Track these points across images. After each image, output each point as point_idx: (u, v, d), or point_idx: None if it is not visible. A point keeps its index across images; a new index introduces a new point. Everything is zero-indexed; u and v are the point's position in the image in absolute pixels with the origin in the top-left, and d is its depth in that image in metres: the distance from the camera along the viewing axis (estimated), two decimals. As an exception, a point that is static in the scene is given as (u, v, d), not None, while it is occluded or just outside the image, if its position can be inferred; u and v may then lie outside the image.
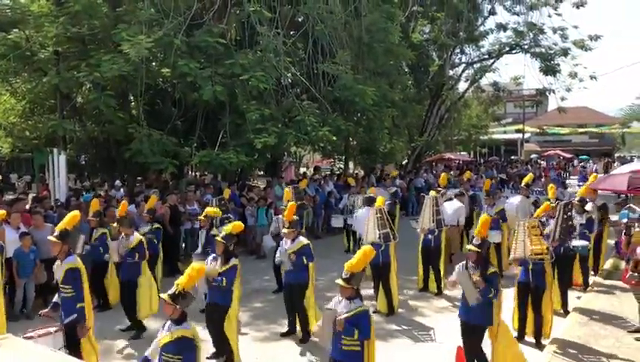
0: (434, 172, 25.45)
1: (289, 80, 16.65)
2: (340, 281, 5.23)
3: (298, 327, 8.12)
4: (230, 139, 14.68)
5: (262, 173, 23.44)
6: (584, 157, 45.59)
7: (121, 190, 16.47)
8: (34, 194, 16.01)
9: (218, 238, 7.08)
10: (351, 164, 24.95)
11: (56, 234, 6.43)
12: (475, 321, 6.23)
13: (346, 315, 5.13)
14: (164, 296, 4.86)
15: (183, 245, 13.18)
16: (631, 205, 10.98)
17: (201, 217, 9.71)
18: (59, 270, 6.34)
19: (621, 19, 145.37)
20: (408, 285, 10.64)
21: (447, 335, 7.62)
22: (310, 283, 8.00)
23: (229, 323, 6.98)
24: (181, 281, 4.89)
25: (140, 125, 13.89)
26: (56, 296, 6.47)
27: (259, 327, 8.68)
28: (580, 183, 24.15)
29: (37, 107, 17.21)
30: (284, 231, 8.11)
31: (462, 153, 42.44)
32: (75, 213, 6.74)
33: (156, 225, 10.47)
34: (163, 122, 14.97)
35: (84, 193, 15.14)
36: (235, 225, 7.29)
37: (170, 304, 4.78)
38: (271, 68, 14.54)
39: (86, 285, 6.35)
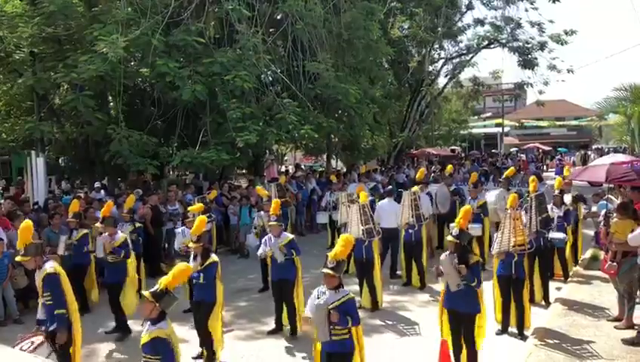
0: (416, 167, 25.56)
1: (269, 78, 16.61)
2: (326, 270, 5.27)
3: (285, 325, 8.12)
4: (211, 137, 14.59)
5: (244, 171, 23.33)
6: (563, 149, 46.16)
7: (102, 192, 16.28)
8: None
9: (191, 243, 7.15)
10: (333, 162, 24.97)
11: (22, 252, 6.15)
12: (462, 309, 6.23)
13: (336, 303, 5.19)
14: (145, 293, 4.74)
15: (166, 245, 13.07)
16: (609, 196, 11.12)
17: (189, 217, 9.35)
18: (38, 279, 6.08)
19: (597, 13, 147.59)
20: (392, 280, 10.70)
21: (432, 329, 7.64)
22: (299, 278, 8.09)
23: (214, 319, 6.98)
24: (165, 280, 4.79)
25: (119, 126, 13.75)
26: (39, 309, 6.20)
27: (244, 326, 8.65)
28: (556, 176, 24.40)
29: (13, 109, 16.95)
30: (272, 223, 8.10)
31: (455, 147, 42.61)
32: (26, 224, 6.27)
33: (138, 224, 10.47)
34: (143, 122, 14.84)
35: (62, 196, 14.95)
36: (199, 220, 7.14)
37: (151, 301, 4.64)
38: (251, 66, 14.49)
39: (69, 290, 6.08)
